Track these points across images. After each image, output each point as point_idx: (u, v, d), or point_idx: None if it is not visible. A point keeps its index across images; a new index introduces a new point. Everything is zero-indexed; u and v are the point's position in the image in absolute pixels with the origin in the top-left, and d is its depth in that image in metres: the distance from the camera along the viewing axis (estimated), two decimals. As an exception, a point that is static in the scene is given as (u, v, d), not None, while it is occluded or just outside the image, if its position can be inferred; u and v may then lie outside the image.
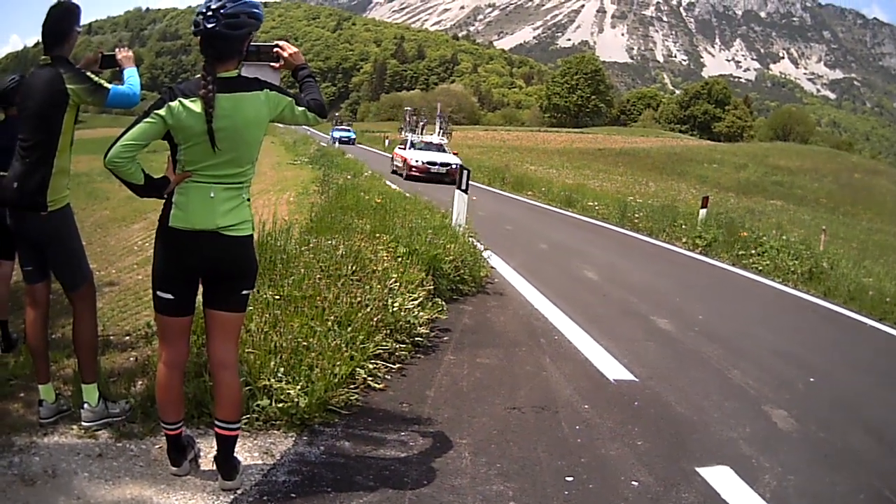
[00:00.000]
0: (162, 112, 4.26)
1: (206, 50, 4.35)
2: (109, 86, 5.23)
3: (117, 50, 5.60)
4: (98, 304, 6.03)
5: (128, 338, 7.47)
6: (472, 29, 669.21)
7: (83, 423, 5.28)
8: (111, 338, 7.41)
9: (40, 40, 5.31)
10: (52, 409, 5.36)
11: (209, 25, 4.26)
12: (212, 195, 4.39)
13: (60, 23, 5.20)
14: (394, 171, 37.00)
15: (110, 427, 5.31)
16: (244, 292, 4.64)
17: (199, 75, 4.39)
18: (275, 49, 4.91)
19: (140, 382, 6.07)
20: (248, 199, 4.62)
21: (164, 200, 4.48)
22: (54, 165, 5.13)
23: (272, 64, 4.93)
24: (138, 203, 16.31)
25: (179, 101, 4.27)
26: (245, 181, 4.56)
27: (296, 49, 4.99)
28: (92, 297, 5.53)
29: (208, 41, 4.33)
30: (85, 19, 5.51)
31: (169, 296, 4.51)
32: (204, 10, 4.28)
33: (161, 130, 4.31)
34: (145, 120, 4.28)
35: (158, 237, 4.53)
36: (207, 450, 5.01)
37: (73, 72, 5.12)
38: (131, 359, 6.76)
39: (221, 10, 4.27)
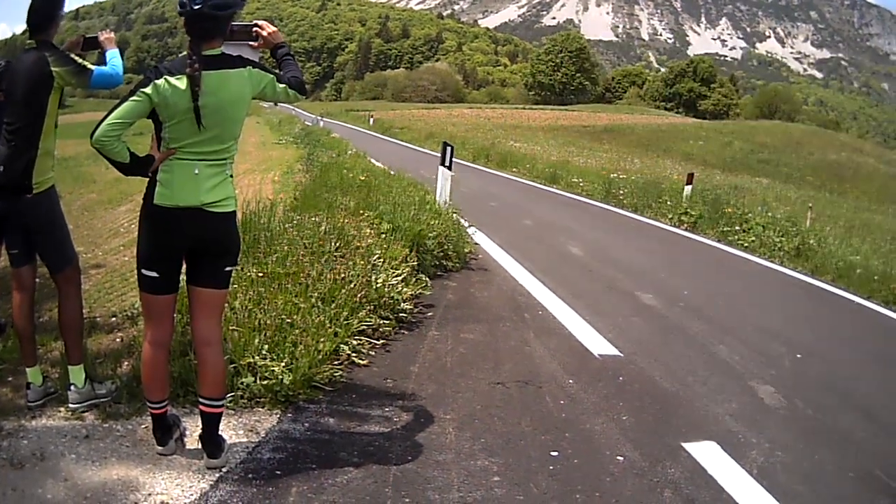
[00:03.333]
0: (148, 90, 4.27)
1: (191, 30, 4.36)
2: (93, 67, 5.23)
3: (100, 32, 5.60)
4: (84, 285, 6.04)
5: (114, 319, 7.47)
6: (456, 8, 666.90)
7: (70, 405, 5.29)
8: (97, 319, 7.41)
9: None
10: (40, 392, 5.37)
11: (196, 7, 4.26)
12: (196, 172, 4.41)
13: (45, 7, 5.20)
14: None
15: (97, 408, 5.33)
16: (227, 269, 4.66)
17: (183, 54, 4.40)
18: (254, 28, 4.91)
19: (126, 363, 6.09)
20: (231, 176, 4.63)
21: (148, 180, 4.48)
22: (39, 147, 5.13)
23: (251, 43, 4.93)
24: (125, 185, 16.36)
25: (165, 78, 4.28)
26: (228, 158, 4.58)
27: (274, 28, 5.00)
28: (77, 278, 5.53)
29: (194, 22, 4.34)
30: (72, 5, 5.58)
31: (154, 274, 4.53)
32: None
33: (147, 108, 4.31)
34: (131, 98, 4.29)
35: (143, 215, 4.54)
36: (193, 428, 5.03)
37: (58, 55, 5.12)
38: (117, 340, 6.77)
39: None
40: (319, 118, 62.07)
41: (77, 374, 5.33)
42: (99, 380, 5.54)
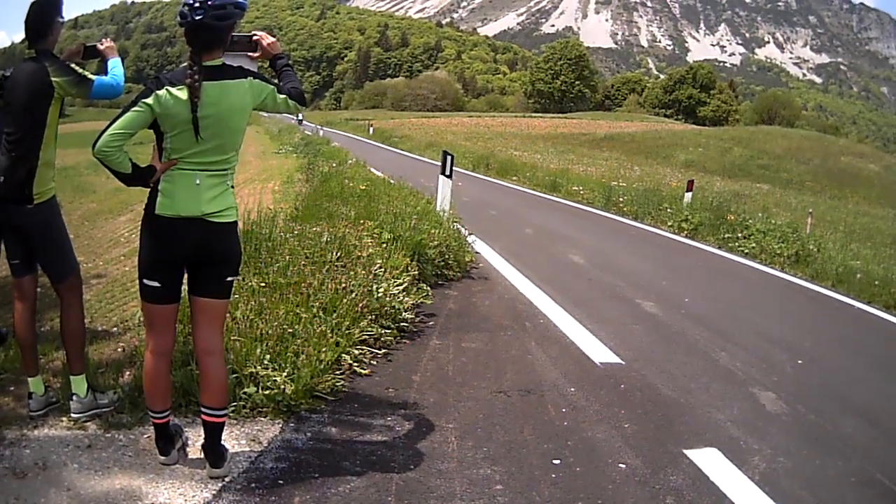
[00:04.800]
0: (149, 100, 4.28)
1: (192, 40, 4.37)
2: (94, 77, 5.22)
3: (100, 41, 5.60)
4: (85, 295, 6.04)
5: (115, 329, 7.47)
6: (455, 16, 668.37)
7: (72, 415, 5.29)
8: (98, 329, 7.41)
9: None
10: (42, 402, 5.37)
11: (197, 17, 4.27)
12: (197, 182, 4.42)
13: (42, 16, 5.19)
14: None
15: (99, 418, 5.33)
16: (229, 279, 4.67)
17: (185, 64, 4.41)
18: (253, 39, 4.92)
19: (128, 373, 6.08)
20: (232, 186, 4.64)
21: (150, 190, 4.49)
22: (40, 158, 5.13)
23: (250, 54, 4.94)
24: (125, 195, 16.35)
25: (166, 89, 4.29)
26: (229, 168, 4.59)
27: (273, 39, 5.01)
28: (79, 288, 5.54)
29: (195, 32, 4.35)
30: (71, 14, 5.55)
31: (155, 284, 4.53)
32: (191, 2, 4.29)
33: (148, 119, 4.32)
34: (133, 109, 4.29)
35: (144, 225, 4.55)
36: (195, 438, 5.04)
37: (58, 64, 5.11)
38: (119, 349, 6.77)
39: (209, 2, 4.29)
40: (319, 127, 62.18)
41: (79, 384, 5.33)
42: (101, 389, 5.54)
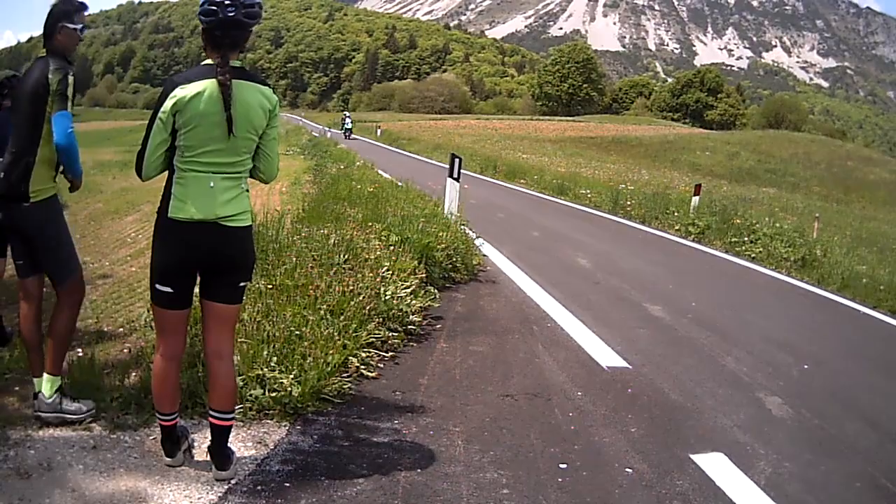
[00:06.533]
0: (166, 107, 4.29)
1: (219, 38, 4.35)
2: (67, 110, 5.19)
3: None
4: (92, 296, 6.06)
5: (122, 329, 7.48)
6: (463, 18, 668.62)
7: (34, 412, 5.26)
8: (105, 330, 7.41)
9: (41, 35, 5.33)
10: (47, 402, 5.35)
11: (229, 13, 4.28)
12: (211, 185, 4.40)
13: (50, 19, 5.23)
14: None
15: (104, 419, 5.31)
16: (242, 284, 4.66)
17: (207, 62, 4.41)
18: None
19: (134, 374, 6.07)
20: (248, 190, 4.63)
21: (161, 193, 4.48)
22: (37, 155, 5.13)
23: None
24: (132, 196, 16.40)
25: (180, 87, 4.29)
26: (243, 171, 4.58)
27: None
28: (78, 293, 5.50)
29: (226, 30, 4.34)
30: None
31: (168, 289, 4.50)
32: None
33: (169, 122, 4.33)
34: (153, 127, 4.35)
35: (157, 229, 4.52)
36: (201, 440, 5.03)
37: (60, 66, 5.12)
38: (125, 350, 6.77)
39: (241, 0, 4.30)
40: (326, 129, 62.27)
41: (48, 384, 5.24)
42: (73, 396, 5.44)
